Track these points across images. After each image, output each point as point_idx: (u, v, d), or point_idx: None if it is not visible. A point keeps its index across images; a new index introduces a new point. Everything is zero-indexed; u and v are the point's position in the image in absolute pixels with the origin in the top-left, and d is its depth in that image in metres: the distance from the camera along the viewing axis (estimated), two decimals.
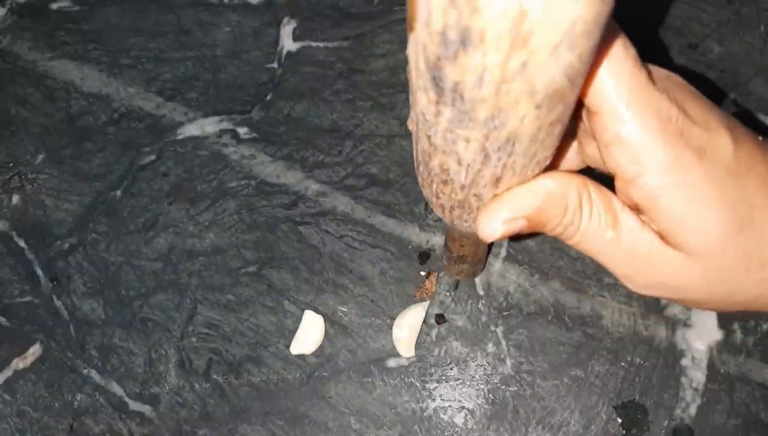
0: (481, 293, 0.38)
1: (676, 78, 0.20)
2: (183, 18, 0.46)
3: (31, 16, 0.48)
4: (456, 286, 0.38)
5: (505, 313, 0.37)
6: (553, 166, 0.21)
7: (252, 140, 0.43)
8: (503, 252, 0.38)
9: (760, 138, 0.21)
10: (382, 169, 0.41)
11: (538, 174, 0.20)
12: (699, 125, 0.19)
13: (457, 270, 0.36)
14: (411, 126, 0.22)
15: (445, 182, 0.20)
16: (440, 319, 0.38)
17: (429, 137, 0.18)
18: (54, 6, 0.48)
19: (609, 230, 0.20)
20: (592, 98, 0.19)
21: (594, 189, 0.20)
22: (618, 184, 0.20)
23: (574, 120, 0.22)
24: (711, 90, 0.40)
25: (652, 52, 0.41)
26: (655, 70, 0.20)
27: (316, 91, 0.43)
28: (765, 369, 0.35)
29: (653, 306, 0.37)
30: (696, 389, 0.35)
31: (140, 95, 0.45)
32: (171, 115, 0.44)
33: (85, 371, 0.40)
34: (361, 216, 0.40)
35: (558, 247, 0.38)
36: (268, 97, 0.44)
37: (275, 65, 0.44)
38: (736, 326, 0.36)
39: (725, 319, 0.36)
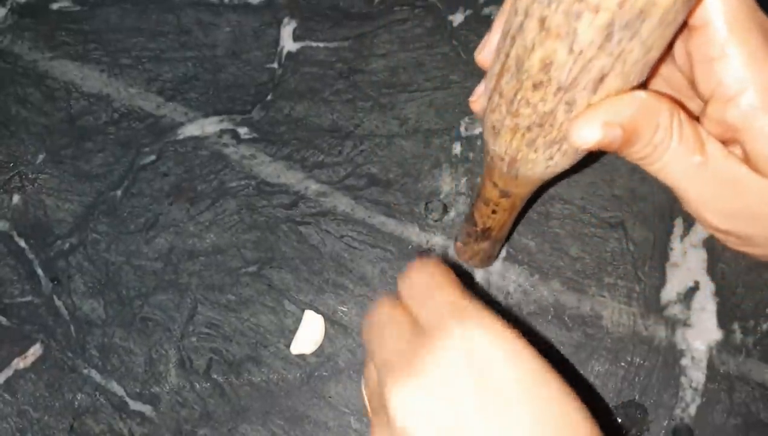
0: (481, 293, 0.38)
1: None
2: (183, 18, 0.46)
3: (31, 16, 0.48)
4: None
5: (505, 313, 0.37)
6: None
7: (252, 140, 0.43)
8: (503, 252, 0.38)
9: None
10: (382, 169, 0.41)
11: (633, 89, 0.19)
12: None
13: (473, 252, 0.34)
14: (482, 57, 0.21)
15: (537, 86, 0.19)
16: None
17: (543, 19, 0.17)
18: (54, 6, 0.48)
19: (697, 153, 0.20)
20: (699, 12, 0.18)
21: (683, 114, 0.20)
22: (713, 107, 0.20)
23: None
24: None
25: None
26: None
27: (316, 91, 0.43)
28: (765, 369, 0.35)
29: (653, 306, 0.37)
30: (696, 389, 0.35)
31: (140, 95, 0.45)
32: (171, 115, 0.44)
33: (85, 371, 0.40)
34: (361, 216, 0.40)
35: (558, 246, 0.38)
36: (269, 97, 0.44)
37: (275, 65, 0.44)
38: (735, 325, 0.36)
39: (725, 319, 0.36)
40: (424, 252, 0.39)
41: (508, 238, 0.37)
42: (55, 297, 0.42)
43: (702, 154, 0.20)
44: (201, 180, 0.42)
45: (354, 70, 0.43)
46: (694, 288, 0.37)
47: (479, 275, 0.38)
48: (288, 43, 0.45)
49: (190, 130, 0.44)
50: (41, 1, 0.48)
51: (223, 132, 0.43)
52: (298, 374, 0.38)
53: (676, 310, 0.37)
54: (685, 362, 0.36)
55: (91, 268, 0.42)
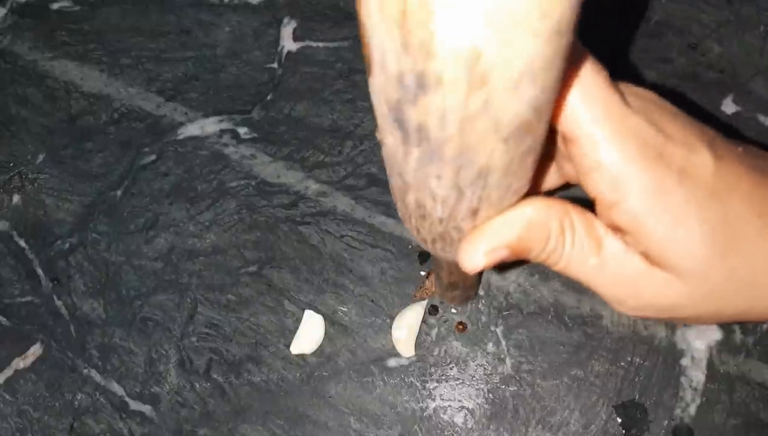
0: (481, 293, 0.38)
1: (650, 95, 0.20)
2: (183, 18, 0.46)
3: (31, 16, 0.48)
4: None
5: (505, 313, 0.37)
6: (533, 187, 0.20)
7: (252, 140, 0.43)
8: None
9: (740, 148, 0.21)
10: (382, 169, 0.41)
11: (517, 201, 0.19)
12: (678, 145, 0.19)
13: (450, 297, 0.35)
14: (380, 139, 0.22)
15: (423, 217, 0.19)
16: (433, 310, 0.38)
17: (400, 175, 0.18)
18: (54, 6, 0.48)
19: (593, 255, 0.20)
20: (566, 125, 0.18)
21: (576, 214, 0.20)
22: (599, 208, 0.20)
23: (550, 143, 0.21)
24: (711, 90, 0.40)
25: (651, 53, 0.41)
26: (628, 88, 0.19)
27: (317, 91, 0.43)
28: (765, 369, 0.35)
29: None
30: (696, 389, 0.35)
31: (141, 95, 0.45)
32: (171, 115, 0.44)
33: (85, 371, 0.40)
34: (362, 216, 0.40)
35: None
36: (269, 97, 0.44)
37: (275, 65, 0.44)
38: (735, 325, 0.36)
39: None
40: (424, 252, 0.39)
41: (479, 280, 0.38)
42: (55, 297, 0.42)
43: (599, 254, 0.20)
44: (201, 180, 0.42)
45: (354, 70, 0.43)
46: None
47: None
48: (288, 43, 0.45)
49: (190, 130, 0.44)
50: (41, 1, 0.48)
51: (223, 132, 0.43)
52: (298, 374, 0.38)
53: None
54: (685, 362, 0.36)
55: (91, 268, 0.42)
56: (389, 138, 0.16)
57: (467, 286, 0.34)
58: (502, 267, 0.38)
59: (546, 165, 0.23)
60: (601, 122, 0.18)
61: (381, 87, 0.14)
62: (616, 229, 0.20)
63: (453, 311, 0.38)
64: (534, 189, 0.21)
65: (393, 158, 0.17)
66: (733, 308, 0.21)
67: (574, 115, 0.18)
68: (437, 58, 0.12)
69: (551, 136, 0.20)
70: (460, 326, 0.37)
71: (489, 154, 0.15)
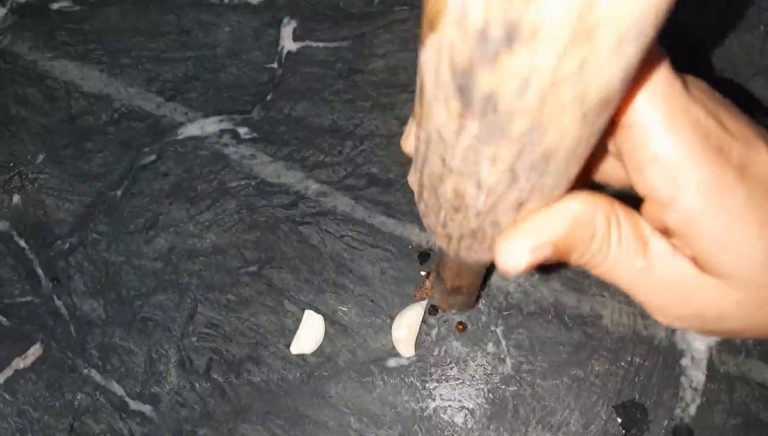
0: (481, 292, 0.38)
1: (707, 87, 0.18)
2: (183, 18, 0.46)
3: (31, 16, 0.48)
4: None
5: (505, 313, 0.37)
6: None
7: (252, 140, 0.43)
8: None
9: None
10: (382, 169, 0.41)
11: (563, 194, 0.17)
12: (737, 140, 0.17)
13: (449, 303, 0.34)
14: (407, 147, 0.19)
15: (456, 209, 0.17)
16: (433, 310, 0.38)
17: (443, 159, 0.15)
18: (54, 6, 0.48)
19: (639, 257, 0.18)
20: (624, 113, 0.17)
21: (622, 212, 0.18)
22: (649, 207, 0.18)
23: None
24: None
25: None
26: (689, 79, 0.18)
27: (316, 91, 0.43)
28: (765, 369, 0.35)
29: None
30: (696, 389, 0.35)
31: (141, 95, 0.45)
32: (171, 115, 0.44)
33: (85, 371, 0.40)
34: (361, 216, 0.40)
35: None
36: (269, 97, 0.44)
37: (275, 65, 0.44)
38: None
39: None
40: (424, 252, 0.39)
41: (483, 286, 0.37)
42: (55, 297, 0.42)
43: (645, 258, 0.19)
44: (201, 180, 0.42)
45: (354, 70, 0.43)
46: None
47: None
48: (288, 43, 0.45)
49: (190, 130, 0.44)
50: (41, 1, 0.48)
51: (223, 132, 0.43)
52: (298, 374, 0.38)
53: None
54: (685, 362, 0.36)
55: (91, 268, 0.42)
56: (442, 112, 0.14)
57: (470, 291, 0.32)
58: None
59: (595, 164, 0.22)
60: (662, 110, 0.16)
61: (449, 45, 0.12)
62: (664, 231, 0.19)
63: (454, 316, 0.38)
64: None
65: (438, 137, 0.15)
66: None
67: (633, 101, 0.16)
68: (543, 2, 0.10)
69: None
70: (460, 326, 0.37)
71: (562, 133, 0.13)
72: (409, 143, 0.20)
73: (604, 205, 0.18)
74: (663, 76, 0.16)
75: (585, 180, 0.22)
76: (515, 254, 0.17)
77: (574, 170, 0.16)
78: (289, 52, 0.44)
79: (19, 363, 0.41)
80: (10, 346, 0.41)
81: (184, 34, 0.46)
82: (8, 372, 0.41)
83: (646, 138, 0.17)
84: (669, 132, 0.16)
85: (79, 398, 0.39)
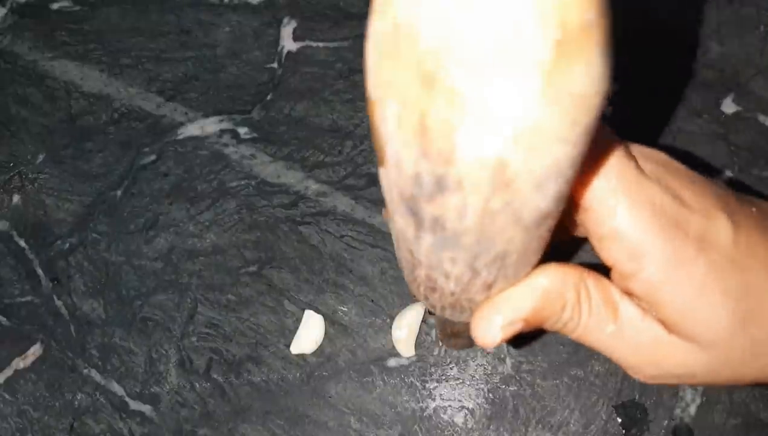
0: None
1: (662, 157, 0.19)
2: (183, 18, 0.46)
3: (31, 16, 0.48)
4: None
5: None
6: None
7: (252, 140, 0.43)
8: None
9: (754, 209, 0.20)
10: None
11: (531, 270, 0.18)
12: (695, 212, 0.18)
13: (451, 344, 0.35)
14: (388, 222, 0.21)
15: (433, 290, 0.19)
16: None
17: (411, 252, 0.17)
18: (54, 6, 0.48)
19: (610, 323, 0.19)
20: (581, 196, 0.18)
21: (591, 281, 0.20)
22: (614, 275, 0.19)
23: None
24: (711, 90, 0.40)
25: (651, 54, 0.41)
26: (640, 151, 0.19)
27: (317, 91, 0.43)
28: None
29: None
30: (696, 389, 0.35)
31: (141, 95, 0.45)
32: (171, 115, 0.44)
33: (85, 371, 0.40)
34: (362, 216, 0.40)
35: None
36: (269, 97, 0.44)
37: (275, 65, 0.44)
38: None
39: None
40: None
41: None
42: (55, 297, 0.42)
43: (615, 323, 0.19)
44: (201, 180, 0.42)
45: (354, 70, 0.43)
46: None
47: None
48: (288, 43, 0.45)
49: (190, 130, 0.44)
50: (41, 1, 0.48)
51: (223, 132, 0.43)
52: (298, 374, 0.38)
53: None
54: None
55: (91, 268, 0.42)
56: (400, 221, 0.16)
57: (470, 334, 0.33)
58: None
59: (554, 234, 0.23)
60: (617, 191, 0.17)
61: (394, 181, 0.14)
62: (633, 296, 0.19)
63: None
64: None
65: (403, 237, 0.17)
66: (753, 374, 0.20)
67: (589, 185, 0.17)
68: (459, 164, 0.12)
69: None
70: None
71: (507, 241, 0.15)
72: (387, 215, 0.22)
73: (572, 277, 0.19)
74: (617, 160, 0.17)
75: (561, 237, 0.23)
76: (490, 333, 0.19)
77: (534, 259, 0.17)
78: (289, 52, 0.44)
79: (19, 363, 0.41)
80: (10, 346, 0.41)
81: (184, 34, 0.46)
82: (8, 372, 0.41)
83: (605, 218, 0.18)
84: (626, 212, 0.17)
85: (79, 398, 0.39)
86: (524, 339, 0.37)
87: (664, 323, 0.19)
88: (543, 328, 0.20)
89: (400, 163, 0.13)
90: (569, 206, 0.20)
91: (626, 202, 0.17)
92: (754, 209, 0.20)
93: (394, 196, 0.15)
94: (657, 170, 0.19)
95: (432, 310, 0.22)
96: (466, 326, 0.30)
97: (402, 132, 0.12)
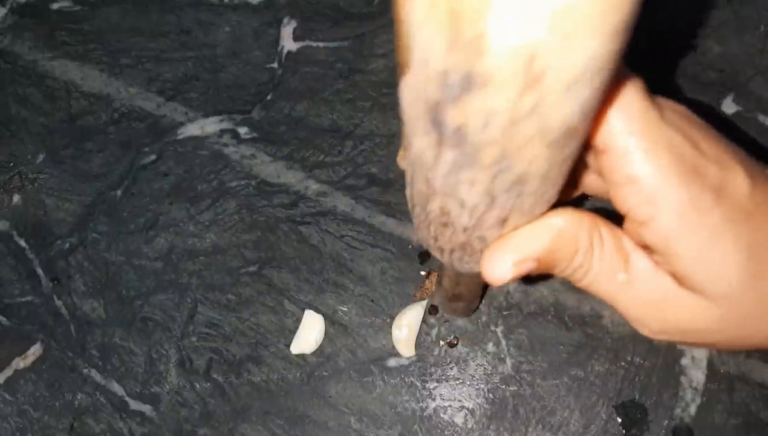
0: (482, 300, 0.38)
1: (684, 109, 0.19)
2: (183, 18, 0.46)
3: (31, 16, 0.48)
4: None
5: (505, 312, 0.37)
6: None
7: (252, 140, 0.43)
8: None
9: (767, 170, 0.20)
10: (382, 169, 0.41)
11: (546, 211, 0.18)
12: (713, 162, 0.18)
13: (451, 309, 0.35)
14: (403, 163, 0.20)
15: (445, 225, 0.18)
16: (433, 310, 0.38)
17: (428, 180, 0.17)
18: (54, 6, 0.48)
19: (621, 272, 0.19)
20: (600, 136, 0.17)
21: (605, 228, 0.19)
22: (629, 225, 0.19)
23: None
24: (711, 90, 0.40)
25: (652, 54, 0.41)
26: (663, 103, 0.19)
27: (317, 91, 0.43)
28: (765, 369, 0.35)
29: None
30: (696, 389, 0.35)
31: (141, 95, 0.45)
32: (171, 115, 0.44)
33: (85, 371, 0.40)
34: (362, 216, 0.40)
35: None
36: (269, 97, 0.44)
37: (275, 65, 0.44)
38: None
39: None
40: (424, 252, 0.39)
41: (485, 292, 0.37)
42: (55, 297, 0.42)
43: (626, 272, 0.19)
44: (201, 180, 0.42)
45: (354, 70, 0.43)
46: None
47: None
48: (288, 43, 0.45)
49: (190, 130, 0.44)
50: (41, 1, 0.48)
51: (223, 132, 0.43)
52: (298, 374, 0.38)
53: None
54: (685, 361, 0.36)
55: (91, 268, 0.42)
56: (421, 140, 0.15)
57: (471, 298, 0.33)
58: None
59: (570, 186, 0.23)
60: (638, 134, 0.17)
61: (419, 86, 0.13)
62: (645, 247, 0.19)
63: (455, 316, 0.38)
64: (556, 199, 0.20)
65: (421, 161, 0.16)
66: (761, 334, 0.20)
67: (609, 126, 0.17)
68: (488, 56, 0.11)
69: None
70: (454, 341, 0.37)
71: (530, 161, 0.15)
72: (403, 158, 0.21)
73: (587, 222, 0.19)
74: (638, 103, 0.17)
75: (569, 195, 0.23)
76: (500, 268, 0.18)
77: (552, 192, 0.17)
78: (289, 52, 0.44)
79: (19, 363, 0.41)
80: (10, 346, 0.41)
81: (184, 34, 0.46)
82: (8, 372, 0.41)
83: (624, 162, 0.17)
84: (645, 156, 0.17)
85: (79, 398, 0.39)
86: (524, 339, 0.37)
87: (675, 275, 0.19)
88: (552, 273, 0.20)
89: (427, 60, 0.12)
90: (584, 154, 0.20)
91: (646, 146, 0.17)
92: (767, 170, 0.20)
93: (418, 106, 0.14)
94: (678, 120, 0.18)
95: (439, 256, 0.21)
96: (468, 287, 0.30)
97: (431, 20, 0.12)
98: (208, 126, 0.44)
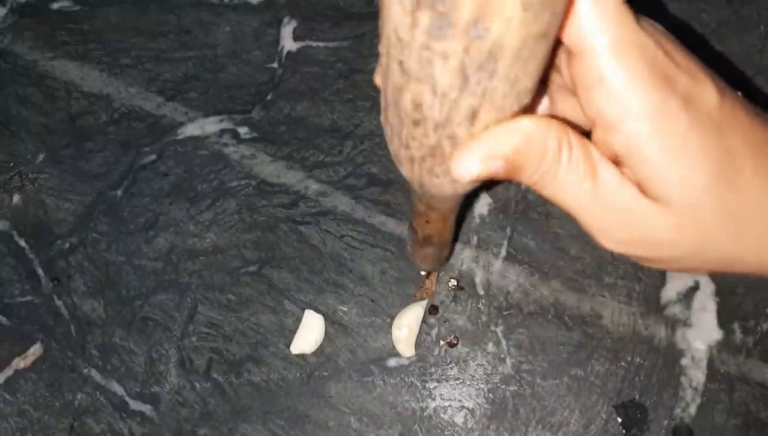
0: (481, 292, 0.38)
1: (661, 28, 0.19)
2: (183, 18, 0.46)
3: (31, 16, 0.48)
4: (457, 286, 0.38)
5: (505, 312, 0.37)
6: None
7: (252, 140, 0.43)
8: (503, 252, 0.38)
9: (740, 93, 0.21)
10: (382, 168, 0.41)
11: (515, 116, 0.18)
12: (684, 73, 0.18)
13: (422, 256, 0.34)
14: (378, 79, 0.21)
15: (416, 123, 0.18)
16: (433, 310, 0.38)
17: (401, 63, 0.17)
18: (54, 6, 0.48)
19: (587, 179, 0.19)
20: (574, 37, 0.18)
21: (574, 136, 0.19)
22: (597, 132, 0.19)
23: (546, 72, 0.21)
24: None
25: None
26: (642, 16, 0.19)
27: (317, 91, 0.43)
28: (765, 369, 0.35)
29: (653, 306, 0.37)
30: (696, 389, 0.35)
31: (141, 95, 0.45)
32: (171, 114, 0.44)
33: (85, 371, 0.40)
34: (362, 216, 0.40)
35: (558, 246, 0.38)
36: (269, 97, 0.44)
37: (275, 65, 0.44)
38: (736, 325, 0.36)
39: (725, 318, 0.36)
40: None
41: (455, 240, 0.37)
42: (55, 297, 0.42)
43: (593, 181, 0.20)
44: (201, 180, 0.42)
45: (354, 70, 0.43)
46: (695, 288, 0.37)
47: (479, 276, 0.38)
48: (288, 43, 0.45)
49: (190, 130, 0.44)
50: (41, 1, 0.48)
51: (223, 132, 0.43)
52: (298, 374, 0.38)
53: (676, 309, 0.37)
54: (685, 361, 0.36)
55: (91, 268, 0.42)
56: (398, 8, 0.15)
57: (441, 242, 0.33)
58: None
59: (538, 99, 0.23)
60: (610, 33, 0.17)
61: None
62: (613, 159, 0.20)
63: (454, 314, 0.38)
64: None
65: (395, 39, 0.16)
66: (719, 249, 0.20)
67: (582, 24, 0.17)
68: None
69: (551, 59, 0.19)
70: (454, 341, 0.37)
71: (506, 25, 0.15)
72: (379, 75, 0.22)
73: (556, 128, 0.19)
74: (614, 5, 0.17)
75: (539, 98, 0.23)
76: (468, 163, 0.19)
77: (524, 82, 0.17)
78: (289, 52, 0.44)
79: (19, 363, 0.41)
80: (10, 346, 0.41)
81: (184, 34, 0.46)
82: (8, 372, 0.41)
83: (595, 62, 0.18)
84: (616, 57, 0.17)
85: (79, 397, 0.39)
86: (524, 339, 0.37)
87: (639, 184, 0.19)
88: (519, 179, 0.20)
89: None
90: (550, 72, 0.20)
91: (618, 47, 0.17)
92: (740, 93, 0.20)
93: None
94: (654, 31, 0.18)
95: (409, 170, 0.22)
96: (437, 225, 0.30)
97: None
98: (208, 126, 0.44)
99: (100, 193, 0.43)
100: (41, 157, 0.45)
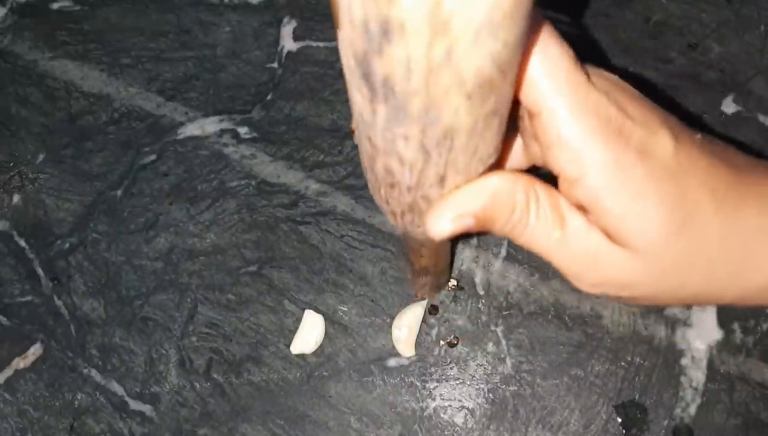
0: (481, 292, 0.38)
1: (615, 78, 0.20)
2: (183, 18, 0.46)
3: (31, 15, 0.48)
4: (457, 286, 0.38)
5: (505, 312, 0.37)
6: (499, 166, 0.21)
7: (252, 140, 0.43)
8: (503, 252, 0.38)
9: (699, 135, 0.21)
10: None
11: (484, 172, 0.19)
12: (639, 125, 0.19)
13: (420, 284, 0.36)
14: (355, 134, 0.22)
15: (392, 186, 0.20)
16: (433, 310, 0.38)
17: (369, 139, 0.18)
18: (54, 6, 0.48)
19: (556, 229, 0.21)
20: (531, 99, 0.19)
21: (541, 189, 0.21)
22: (561, 184, 0.20)
23: (516, 119, 0.22)
24: (711, 90, 0.40)
25: (651, 53, 0.41)
26: (594, 71, 0.20)
27: (317, 91, 0.43)
28: (765, 369, 0.35)
29: (653, 306, 0.37)
30: (696, 389, 0.35)
31: (141, 95, 0.45)
32: (171, 114, 0.44)
33: (85, 371, 0.40)
34: (362, 216, 0.40)
35: None
36: (269, 97, 0.44)
37: (275, 65, 0.44)
38: (736, 325, 0.36)
39: (725, 318, 0.36)
40: None
41: (451, 267, 0.38)
42: (55, 297, 0.42)
43: (562, 230, 0.21)
44: (201, 180, 0.42)
45: None
46: None
47: (479, 276, 0.38)
48: (288, 43, 0.45)
49: (190, 129, 0.44)
50: (41, 1, 0.48)
51: (223, 132, 0.43)
52: (298, 374, 0.38)
53: (676, 309, 0.37)
54: (685, 361, 0.36)
55: (91, 268, 0.42)
56: (358, 97, 0.17)
57: (438, 271, 0.34)
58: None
59: (511, 142, 0.24)
60: (564, 95, 0.18)
61: (348, 39, 0.15)
62: (579, 207, 0.21)
63: (454, 314, 0.38)
64: (500, 167, 0.21)
65: (362, 119, 0.17)
66: (688, 288, 0.21)
67: (537, 88, 0.18)
68: (400, 2, 0.13)
69: (517, 110, 0.20)
70: (454, 341, 0.37)
71: (454, 112, 0.16)
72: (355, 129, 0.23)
73: (523, 182, 0.20)
74: (567, 67, 0.18)
75: (502, 166, 0.24)
76: (440, 223, 0.20)
77: (484, 150, 0.18)
78: (289, 52, 0.44)
79: (19, 363, 0.41)
80: (10, 346, 0.41)
81: (184, 34, 0.46)
82: (8, 372, 0.41)
83: (553, 122, 0.19)
84: (572, 117, 0.18)
85: (79, 398, 0.39)
86: (524, 339, 0.37)
87: (605, 231, 0.20)
88: (493, 231, 0.21)
89: (350, 11, 0.14)
90: (521, 119, 0.21)
91: (572, 107, 0.18)
92: (698, 136, 0.21)
93: (350, 60, 0.15)
94: (606, 85, 0.20)
95: (394, 222, 0.23)
96: (431, 259, 0.31)
97: None
98: (208, 126, 0.44)
99: (100, 193, 0.43)
100: (41, 157, 0.45)
